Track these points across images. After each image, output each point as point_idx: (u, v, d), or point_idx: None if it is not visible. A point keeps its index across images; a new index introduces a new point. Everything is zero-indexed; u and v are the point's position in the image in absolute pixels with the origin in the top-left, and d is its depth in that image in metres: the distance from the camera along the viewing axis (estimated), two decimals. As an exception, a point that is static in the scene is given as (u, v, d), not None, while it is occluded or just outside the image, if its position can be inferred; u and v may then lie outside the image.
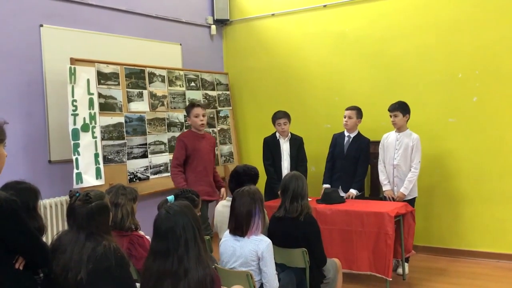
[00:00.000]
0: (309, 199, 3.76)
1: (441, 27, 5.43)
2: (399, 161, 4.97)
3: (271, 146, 5.55)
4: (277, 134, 5.53)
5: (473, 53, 5.26)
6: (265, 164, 5.53)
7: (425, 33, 5.52)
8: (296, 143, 5.52)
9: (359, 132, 5.32)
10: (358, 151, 5.23)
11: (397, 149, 4.99)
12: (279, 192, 3.88)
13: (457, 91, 5.36)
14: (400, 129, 4.99)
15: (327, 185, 5.32)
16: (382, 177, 5.12)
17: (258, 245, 3.12)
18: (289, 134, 5.53)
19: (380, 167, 5.14)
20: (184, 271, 2.33)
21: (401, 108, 4.94)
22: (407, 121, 4.98)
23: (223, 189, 5.08)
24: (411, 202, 4.92)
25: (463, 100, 5.34)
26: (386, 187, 5.08)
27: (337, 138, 5.44)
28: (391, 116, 4.98)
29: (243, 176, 3.89)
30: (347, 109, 5.30)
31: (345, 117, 5.28)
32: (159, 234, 2.42)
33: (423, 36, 5.53)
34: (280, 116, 5.46)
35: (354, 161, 5.24)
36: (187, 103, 6.04)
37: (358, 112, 5.28)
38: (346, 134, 5.34)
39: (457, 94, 5.37)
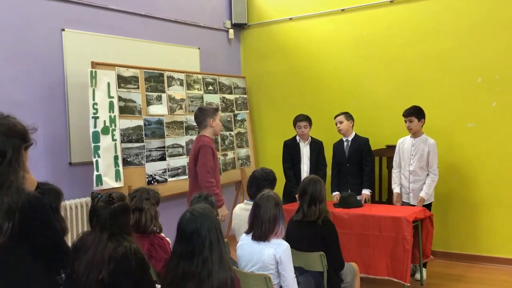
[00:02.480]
0: (325, 203, 3.77)
1: (460, 31, 5.40)
2: (415, 167, 4.95)
3: (291, 149, 5.57)
4: (297, 138, 5.55)
5: (493, 57, 5.22)
6: (284, 167, 5.55)
7: (444, 37, 5.49)
8: (316, 147, 5.54)
9: (356, 134, 5.37)
10: (359, 151, 5.28)
11: (413, 155, 4.97)
12: (297, 196, 3.89)
13: (477, 95, 5.32)
14: (415, 134, 4.97)
15: (337, 193, 5.33)
16: (393, 182, 5.13)
17: (276, 249, 3.12)
18: (309, 138, 5.54)
19: (394, 171, 5.13)
20: (208, 273, 2.37)
21: (416, 113, 4.91)
22: (422, 125, 4.96)
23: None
24: (428, 207, 4.89)
25: (482, 105, 5.30)
26: (395, 190, 5.11)
27: (337, 146, 5.48)
28: (406, 122, 4.96)
29: (262, 182, 3.90)
30: (336, 116, 5.40)
31: (336, 124, 5.36)
32: (184, 236, 2.45)
33: (442, 40, 5.50)
34: (301, 119, 5.48)
35: (358, 163, 5.29)
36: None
37: (346, 115, 5.36)
38: (344, 139, 5.40)
39: (476, 99, 5.33)
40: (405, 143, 5.08)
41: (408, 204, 4.99)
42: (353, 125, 5.38)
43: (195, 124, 5.87)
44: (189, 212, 2.51)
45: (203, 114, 4.63)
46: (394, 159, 5.17)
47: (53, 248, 2.22)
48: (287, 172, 5.54)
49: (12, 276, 2.10)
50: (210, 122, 4.60)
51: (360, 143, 5.31)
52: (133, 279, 2.40)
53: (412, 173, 4.98)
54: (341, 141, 5.44)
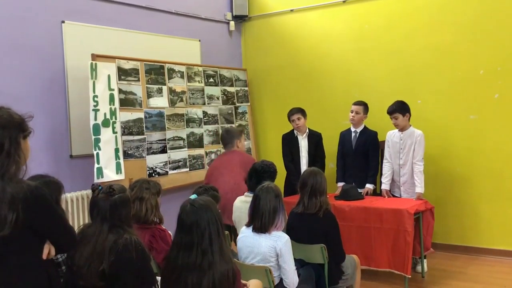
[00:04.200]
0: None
1: (462, 23, 5.36)
2: (405, 161, 4.94)
3: (289, 143, 5.58)
4: (295, 131, 5.55)
5: (495, 49, 5.19)
6: (285, 161, 5.58)
7: (447, 29, 5.45)
8: (315, 140, 5.53)
9: (365, 126, 5.33)
10: (367, 145, 5.25)
11: (402, 149, 4.95)
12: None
13: (479, 88, 5.29)
14: (402, 128, 4.94)
15: (342, 183, 5.32)
16: (383, 176, 5.10)
17: (277, 241, 3.13)
18: (307, 130, 5.54)
19: (386, 165, 5.09)
20: (209, 264, 2.38)
21: (399, 109, 4.87)
22: (408, 119, 4.92)
23: None
24: None
25: (484, 97, 5.27)
26: (382, 186, 5.08)
27: (345, 135, 5.45)
28: (391, 119, 4.93)
29: (262, 173, 3.90)
30: (355, 103, 5.32)
31: (352, 112, 5.29)
32: (183, 227, 2.46)
33: (444, 32, 5.46)
34: (293, 112, 5.49)
35: (364, 155, 5.25)
36: (206, 99, 6.09)
37: (365, 107, 5.29)
38: (353, 129, 5.35)
39: (478, 91, 5.30)
40: (394, 136, 5.05)
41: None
42: (365, 119, 5.32)
43: (195, 116, 5.90)
44: (190, 203, 2.52)
45: (229, 136, 4.84)
46: (385, 152, 5.14)
47: (59, 231, 2.23)
48: (287, 166, 5.55)
49: (14, 267, 2.11)
50: (236, 143, 4.84)
51: (368, 136, 5.25)
52: (134, 271, 2.41)
53: (402, 167, 4.96)
54: (349, 130, 5.40)
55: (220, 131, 6.25)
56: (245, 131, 6.72)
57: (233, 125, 6.55)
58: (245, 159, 4.80)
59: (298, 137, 5.53)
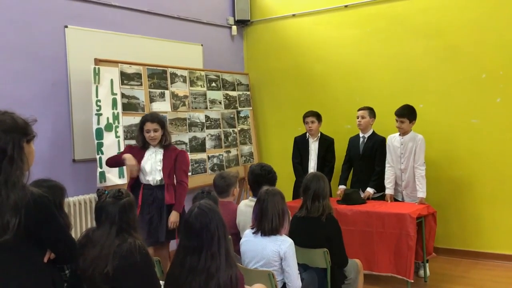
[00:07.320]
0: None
1: (464, 27, 5.37)
2: (406, 165, 4.94)
3: (300, 145, 5.67)
4: (307, 134, 5.62)
5: (497, 53, 5.20)
6: (293, 162, 5.69)
7: (448, 33, 5.46)
8: (325, 144, 5.58)
9: (373, 132, 5.33)
10: (374, 150, 5.23)
11: (402, 153, 4.95)
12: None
13: (481, 91, 5.30)
14: (404, 133, 4.95)
15: (343, 186, 5.34)
16: (386, 181, 5.08)
17: (281, 245, 3.13)
18: (319, 134, 5.60)
19: (389, 170, 5.07)
20: (216, 269, 2.38)
21: (408, 115, 4.88)
22: (412, 125, 4.93)
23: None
24: None
25: (486, 101, 5.28)
26: (386, 190, 5.06)
27: (353, 141, 5.46)
28: (397, 121, 4.93)
29: (267, 175, 3.92)
30: (360, 109, 5.35)
31: (358, 117, 5.32)
32: (193, 231, 2.45)
33: (446, 36, 5.48)
34: (308, 114, 5.57)
35: (371, 161, 5.24)
36: (208, 103, 6.10)
37: (371, 111, 5.30)
38: (361, 134, 5.36)
39: (480, 95, 5.31)
40: (394, 141, 5.05)
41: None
42: (373, 123, 5.32)
43: (198, 121, 5.90)
44: (197, 207, 2.51)
45: (227, 184, 4.21)
46: (386, 157, 5.13)
47: (60, 243, 2.23)
48: (296, 167, 5.64)
49: (18, 272, 2.11)
50: (232, 191, 4.26)
51: (376, 141, 5.24)
52: (137, 275, 2.42)
53: (404, 171, 4.97)
54: (357, 136, 5.41)
55: (222, 135, 6.27)
56: (247, 135, 6.74)
57: (235, 129, 6.55)
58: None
59: (309, 140, 5.61)
